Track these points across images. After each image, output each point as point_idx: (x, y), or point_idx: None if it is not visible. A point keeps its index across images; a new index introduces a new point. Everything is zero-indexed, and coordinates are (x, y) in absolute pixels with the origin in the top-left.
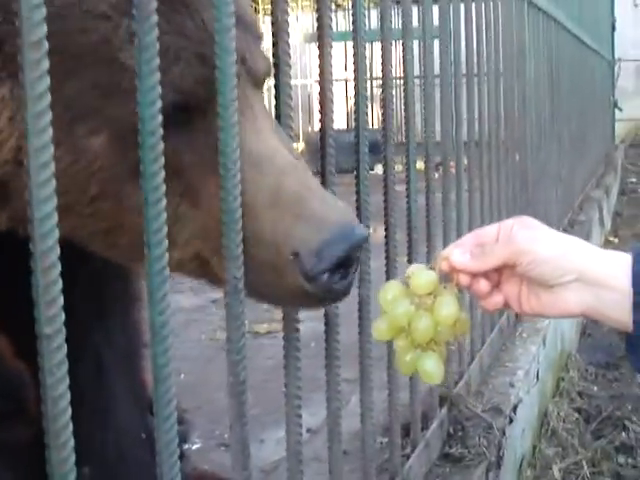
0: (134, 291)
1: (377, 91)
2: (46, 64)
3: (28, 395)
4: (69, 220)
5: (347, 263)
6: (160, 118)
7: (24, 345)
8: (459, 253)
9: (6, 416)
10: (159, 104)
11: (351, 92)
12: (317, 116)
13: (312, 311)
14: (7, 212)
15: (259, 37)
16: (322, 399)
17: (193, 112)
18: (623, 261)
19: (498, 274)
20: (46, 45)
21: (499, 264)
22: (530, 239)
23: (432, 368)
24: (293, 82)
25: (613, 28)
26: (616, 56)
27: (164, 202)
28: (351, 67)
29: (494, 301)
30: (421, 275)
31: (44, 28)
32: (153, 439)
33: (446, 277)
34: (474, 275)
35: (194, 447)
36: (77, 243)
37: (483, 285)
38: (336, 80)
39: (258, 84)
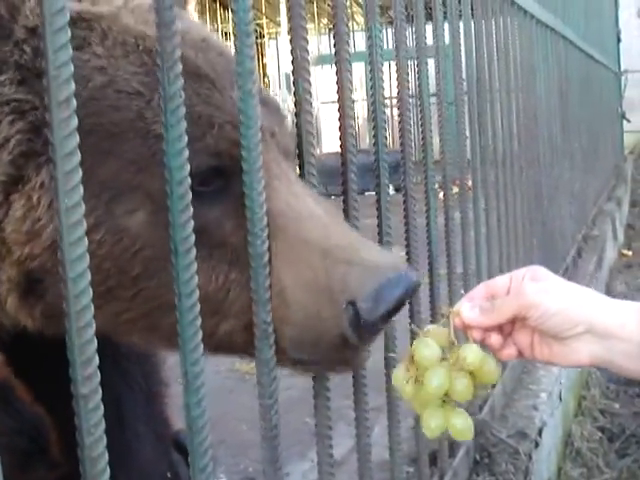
0: None
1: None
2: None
3: (50, 438)
4: (112, 306)
5: (399, 308)
6: (189, 181)
7: (41, 392)
8: (469, 308)
9: (31, 456)
10: (187, 168)
11: (357, 113)
12: (325, 137)
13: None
14: (40, 307)
15: (284, 119)
16: (345, 429)
17: (230, 177)
18: (633, 310)
19: (510, 324)
20: (76, 122)
21: (509, 318)
22: (538, 292)
23: (463, 425)
24: None
25: (618, 39)
26: (622, 68)
27: (194, 252)
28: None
29: (507, 353)
30: (425, 349)
31: (74, 119)
32: (177, 476)
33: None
34: (486, 329)
35: None
36: (116, 336)
37: (494, 339)
38: (332, 102)
39: (288, 157)
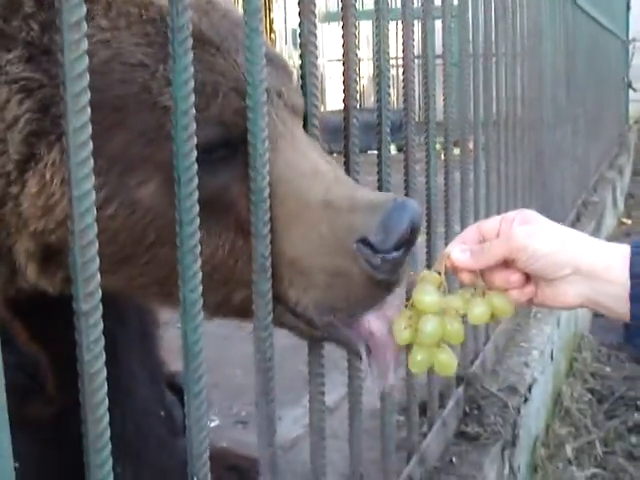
0: None
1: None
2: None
3: (46, 375)
4: (127, 271)
5: (410, 237)
6: (195, 154)
7: (37, 330)
8: (459, 252)
9: (29, 391)
10: (194, 140)
11: (362, 72)
12: (330, 95)
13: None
14: (61, 274)
15: (291, 75)
16: (337, 378)
17: (236, 145)
18: (620, 252)
19: (504, 267)
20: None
21: (498, 261)
22: (527, 235)
23: (448, 360)
24: None
25: (628, 7)
26: (630, 36)
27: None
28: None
29: (526, 291)
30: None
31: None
32: (171, 416)
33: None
34: (472, 271)
35: (212, 425)
36: (131, 297)
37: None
38: (339, 60)
39: (297, 113)
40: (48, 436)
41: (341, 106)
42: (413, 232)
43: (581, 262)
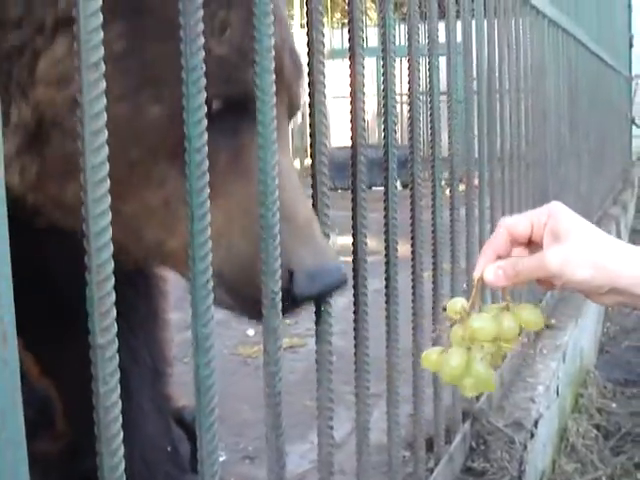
0: (158, 310)
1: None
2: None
3: (55, 410)
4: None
5: (327, 295)
6: (204, 110)
7: (48, 364)
8: (492, 274)
9: (37, 428)
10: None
11: (366, 108)
12: (337, 132)
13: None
14: (37, 164)
15: (302, 70)
16: (344, 413)
17: (240, 115)
18: None
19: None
20: None
21: (532, 280)
22: (561, 262)
23: (532, 316)
24: None
25: (630, 45)
26: (633, 72)
27: (209, 218)
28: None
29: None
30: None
31: None
32: (178, 452)
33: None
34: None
35: (219, 460)
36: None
37: None
38: (343, 97)
39: (292, 114)
40: (56, 471)
41: (345, 142)
42: (330, 294)
43: (618, 280)
